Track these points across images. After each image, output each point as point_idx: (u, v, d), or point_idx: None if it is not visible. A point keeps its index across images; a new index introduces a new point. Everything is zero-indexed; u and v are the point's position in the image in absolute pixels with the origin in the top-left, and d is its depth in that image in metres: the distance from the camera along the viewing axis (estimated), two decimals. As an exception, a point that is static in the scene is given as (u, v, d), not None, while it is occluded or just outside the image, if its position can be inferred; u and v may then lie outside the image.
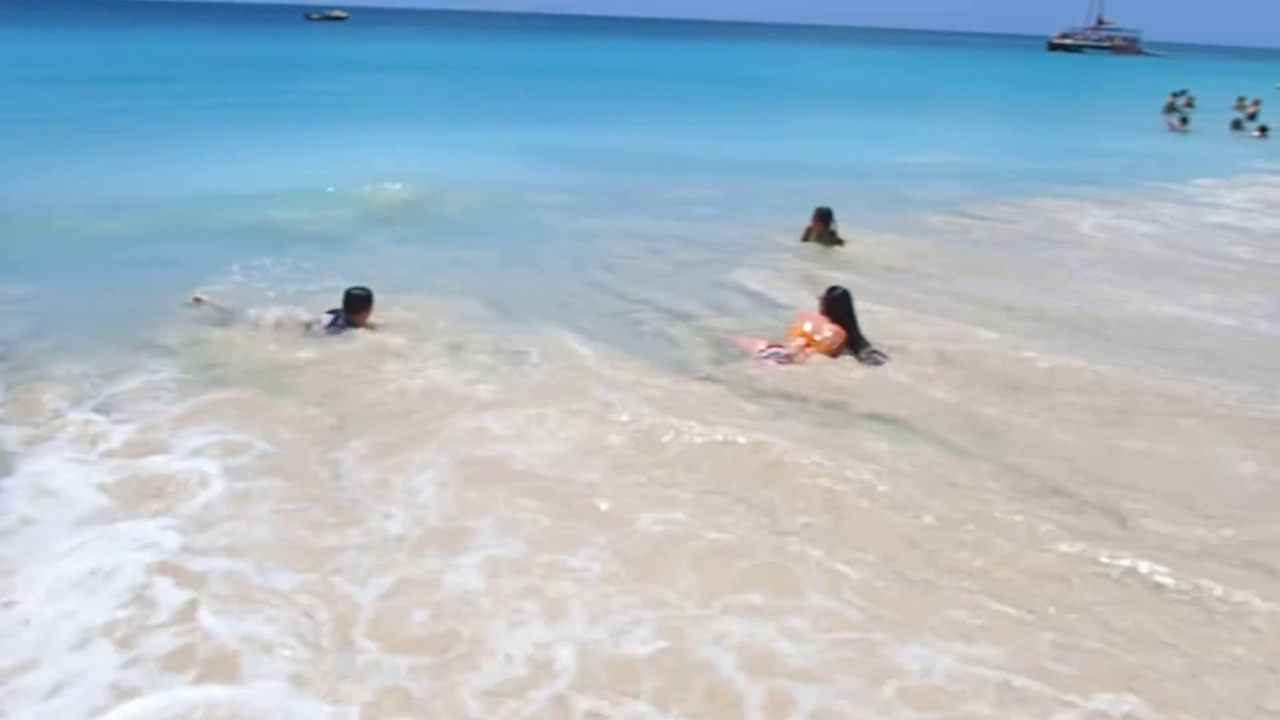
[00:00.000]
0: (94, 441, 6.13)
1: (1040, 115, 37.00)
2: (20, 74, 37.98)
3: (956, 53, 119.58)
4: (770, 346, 7.76)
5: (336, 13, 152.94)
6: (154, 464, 5.82)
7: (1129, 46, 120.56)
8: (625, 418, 6.53)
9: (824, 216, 11.93)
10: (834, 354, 7.76)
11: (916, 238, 13.09)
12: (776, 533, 5.20)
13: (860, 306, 8.17)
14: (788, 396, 7.19)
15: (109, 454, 5.97)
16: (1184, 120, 32.37)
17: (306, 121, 25.79)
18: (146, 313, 8.70)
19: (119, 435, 6.21)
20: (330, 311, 8.28)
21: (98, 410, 6.60)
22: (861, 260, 11.59)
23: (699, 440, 6.22)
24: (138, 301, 9.07)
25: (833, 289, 8.07)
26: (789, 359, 7.64)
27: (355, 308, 8.21)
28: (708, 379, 7.49)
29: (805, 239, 12.04)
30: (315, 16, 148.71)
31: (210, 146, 20.30)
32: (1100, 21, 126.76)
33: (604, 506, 5.41)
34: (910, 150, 22.35)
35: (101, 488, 5.52)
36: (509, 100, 34.92)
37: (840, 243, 11.99)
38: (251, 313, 8.59)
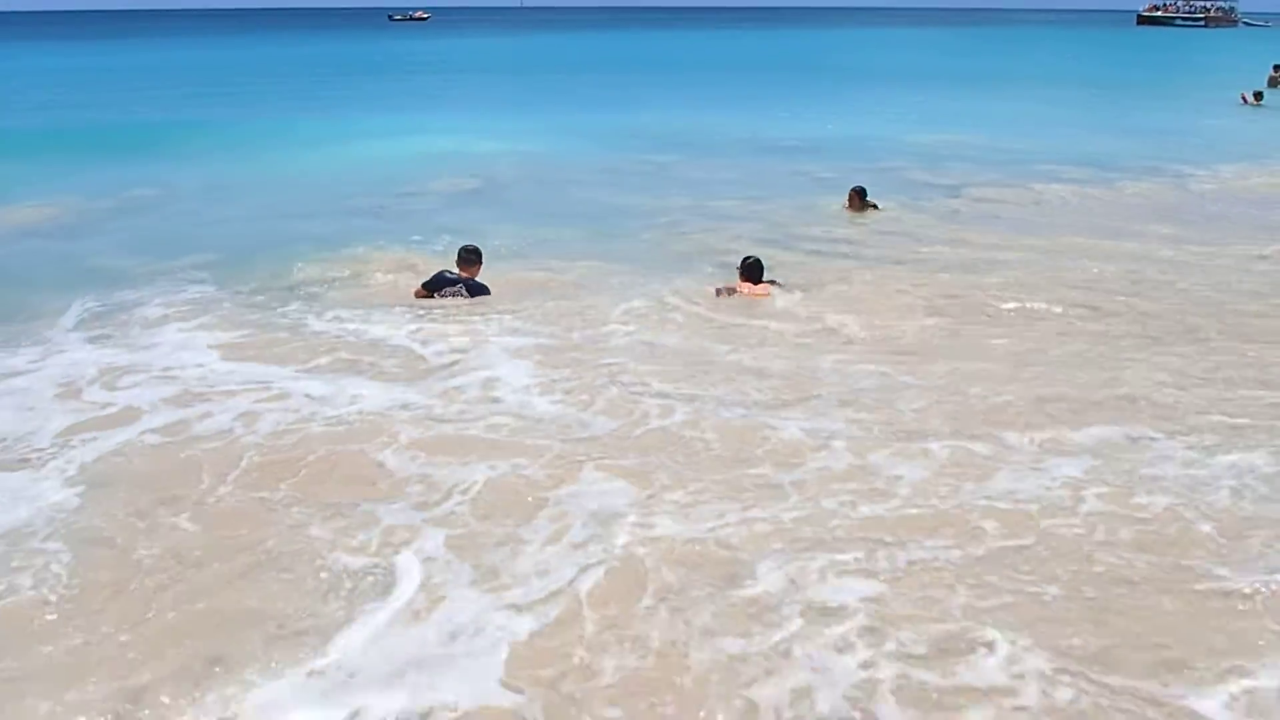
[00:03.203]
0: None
1: (1100, 92, 35.74)
2: (139, 81, 41.01)
3: (1035, 30, 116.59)
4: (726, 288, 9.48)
5: (419, 14, 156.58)
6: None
7: (1224, 18, 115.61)
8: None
9: (860, 194, 13.88)
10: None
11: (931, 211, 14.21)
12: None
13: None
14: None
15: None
16: (1259, 95, 30.20)
17: (385, 112, 27.63)
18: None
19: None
20: (449, 276, 9.14)
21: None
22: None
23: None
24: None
25: (746, 258, 9.66)
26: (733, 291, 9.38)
27: (472, 260, 9.26)
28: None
29: (851, 207, 13.93)
30: (398, 18, 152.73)
31: (297, 139, 22.11)
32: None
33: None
34: (948, 129, 22.74)
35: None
36: (574, 91, 36.20)
37: (876, 207, 13.86)
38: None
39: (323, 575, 4.24)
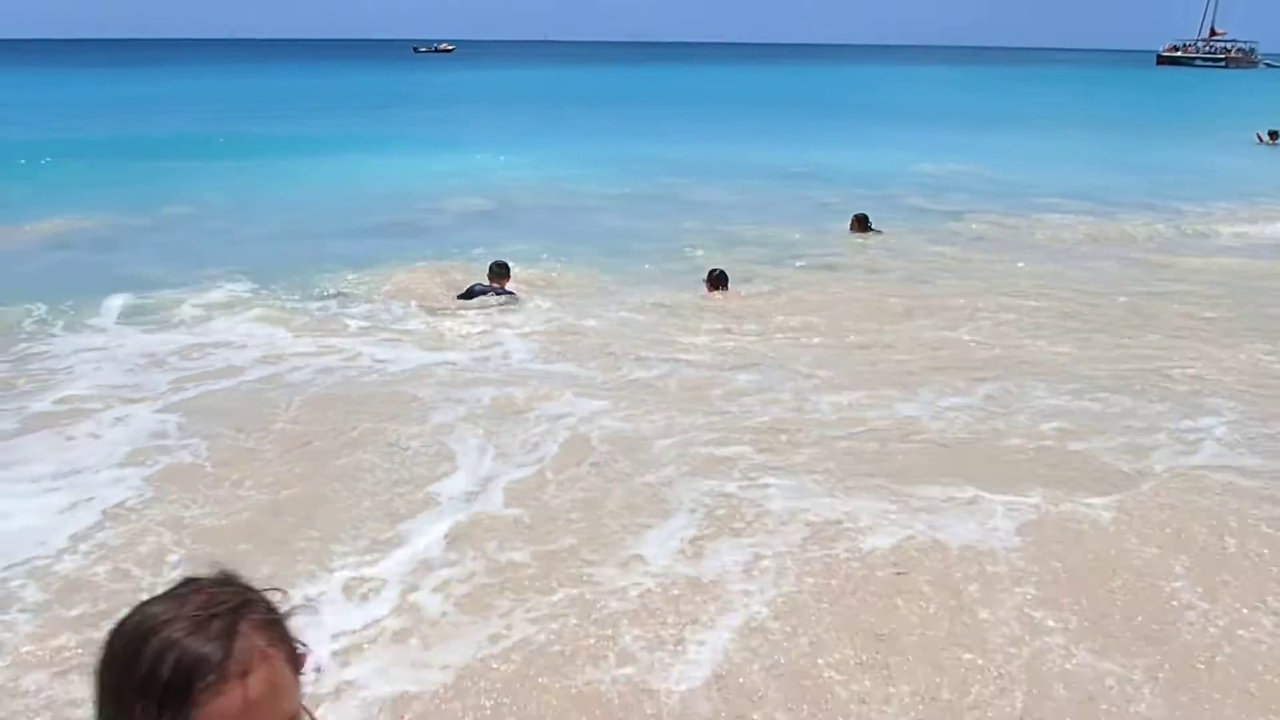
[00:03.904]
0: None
1: (1114, 130, 35.45)
2: (178, 105, 43.08)
3: (1054, 70, 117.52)
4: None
5: (444, 46, 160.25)
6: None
7: (1244, 58, 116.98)
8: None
9: (862, 220, 15.01)
10: None
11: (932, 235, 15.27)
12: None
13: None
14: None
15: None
16: (1275, 134, 30.13)
17: (407, 138, 29.05)
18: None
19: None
20: (480, 287, 10.55)
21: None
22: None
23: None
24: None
25: (712, 270, 11.15)
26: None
27: (502, 273, 10.72)
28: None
29: (852, 230, 15.03)
30: (423, 50, 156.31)
31: (323, 161, 22.82)
32: (1213, 33, 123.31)
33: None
34: (957, 162, 23.23)
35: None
36: (594, 122, 37.11)
37: (879, 233, 14.93)
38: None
39: (403, 450, 6.35)
